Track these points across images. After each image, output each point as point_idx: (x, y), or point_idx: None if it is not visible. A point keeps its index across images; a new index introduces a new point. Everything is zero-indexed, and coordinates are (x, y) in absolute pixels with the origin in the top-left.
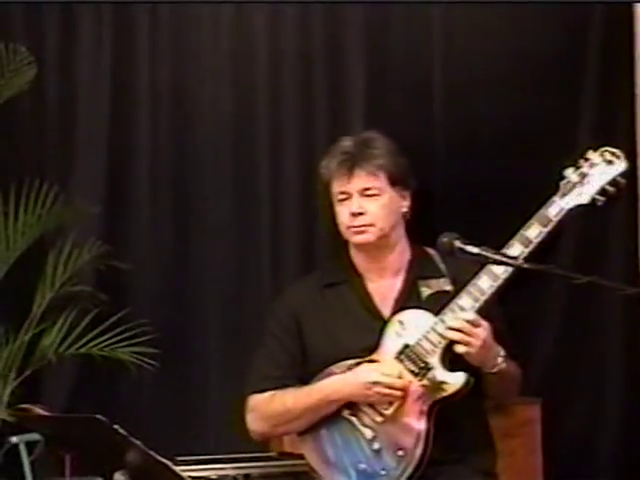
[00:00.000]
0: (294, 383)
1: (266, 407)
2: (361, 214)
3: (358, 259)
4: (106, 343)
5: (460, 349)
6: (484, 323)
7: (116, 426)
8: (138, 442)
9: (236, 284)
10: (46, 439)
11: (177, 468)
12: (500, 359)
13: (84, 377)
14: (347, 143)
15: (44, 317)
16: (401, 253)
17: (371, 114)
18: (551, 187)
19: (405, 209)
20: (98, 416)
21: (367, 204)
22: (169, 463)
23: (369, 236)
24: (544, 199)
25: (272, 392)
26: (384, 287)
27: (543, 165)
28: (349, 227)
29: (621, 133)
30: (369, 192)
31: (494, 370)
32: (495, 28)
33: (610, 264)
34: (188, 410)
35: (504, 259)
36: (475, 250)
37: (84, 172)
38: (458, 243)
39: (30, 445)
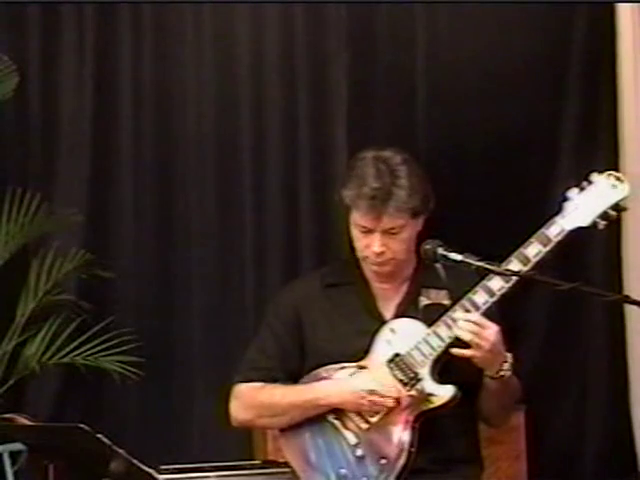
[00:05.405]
0: (282, 377)
1: (252, 397)
2: (383, 252)
3: (367, 269)
4: (90, 352)
5: (468, 352)
6: (493, 326)
7: (100, 435)
8: (122, 451)
9: (219, 292)
10: (30, 449)
11: (161, 477)
12: (506, 365)
13: (68, 386)
14: (374, 184)
15: (27, 326)
16: (408, 263)
17: (354, 120)
18: (531, 189)
19: (419, 227)
20: (82, 425)
21: (390, 242)
22: (153, 472)
23: (388, 268)
24: (533, 212)
25: (261, 383)
26: (388, 291)
27: (526, 167)
28: (366, 257)
29: (603, 133)
30: (393, 231)
31: (497, 376)
32: (478, 29)
33: (592, 270)
34: (172, 419)
35: (487, 266)
36: (458, 257)
37: (67, 181)
38: (441, 250)
39: (14, 455)
